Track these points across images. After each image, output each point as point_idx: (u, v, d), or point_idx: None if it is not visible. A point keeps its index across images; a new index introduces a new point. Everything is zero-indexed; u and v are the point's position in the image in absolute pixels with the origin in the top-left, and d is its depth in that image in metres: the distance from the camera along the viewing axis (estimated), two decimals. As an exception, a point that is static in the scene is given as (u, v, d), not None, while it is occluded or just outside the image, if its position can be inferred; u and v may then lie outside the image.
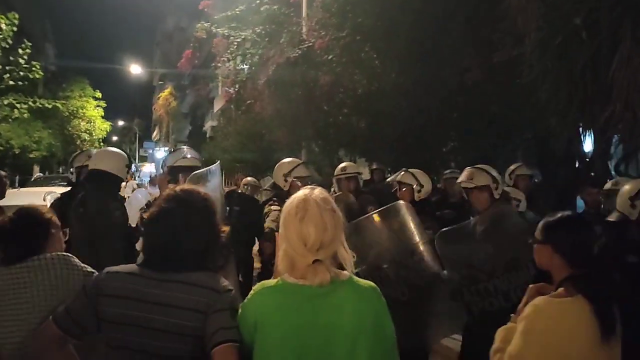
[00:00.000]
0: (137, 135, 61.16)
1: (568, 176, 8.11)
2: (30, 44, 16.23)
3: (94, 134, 34.53)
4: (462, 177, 4.26)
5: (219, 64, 12.90)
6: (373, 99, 9.61)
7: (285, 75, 10.50)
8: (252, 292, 1.94)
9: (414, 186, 4.85)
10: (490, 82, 7.94)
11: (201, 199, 2.10)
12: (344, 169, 5.82)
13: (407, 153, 9.94)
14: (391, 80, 9.13)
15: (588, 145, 7.91)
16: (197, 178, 3.77)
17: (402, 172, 5.02)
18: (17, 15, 15.79)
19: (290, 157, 5.41)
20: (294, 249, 1.89)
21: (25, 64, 16.02)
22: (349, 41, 9.76)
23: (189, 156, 4.54)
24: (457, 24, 8.35)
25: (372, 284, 1.98)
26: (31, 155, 27.74)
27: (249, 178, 9.39)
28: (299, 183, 4.82)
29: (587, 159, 6.58)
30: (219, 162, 4.61)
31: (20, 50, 15.87)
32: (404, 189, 4.89)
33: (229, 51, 12.06)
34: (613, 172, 6.21)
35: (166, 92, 48.69)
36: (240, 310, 1.92)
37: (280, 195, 4.85)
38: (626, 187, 3.67)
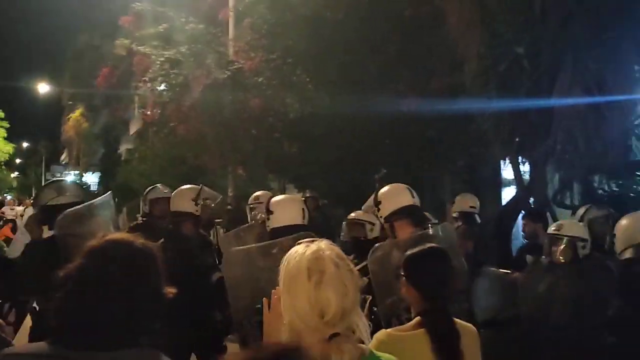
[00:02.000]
0: (44, 158, 57.37)
1: (497, 204, 8.21)
2: None
3: (-6, 156, 31.90)
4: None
5: (140, 84, 12.15)
6: (305, 124, 9.34)
7: (212, 97, 10.00)
8: None
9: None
10: (427, 108, 7.89)
11: (136, 251, 1.60)
12: (256, 198, 5.29)
13: (340, 180, 9.71)
14: (324, 105, 8.90)
15: (509, 173, 8.04)
16: (71, 217, 3.15)
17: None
18: None
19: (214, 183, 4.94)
20: (304, 321, 1.47)
21: None
22: (280, 64, 9.48)
23: (67, 194, 3.76)
24: (391, 48, 8.30)
25: (394, 357, 1.61)
26: None
27: None
28: (212, 204, 4.49)
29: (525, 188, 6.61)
30: (110, 192, 3.93)
31: None
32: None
33: (150, 70, 11.36)
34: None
35: (77, 112, 46.10)
36: None
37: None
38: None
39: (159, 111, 12.20)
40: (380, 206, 3.40)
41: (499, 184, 10.51)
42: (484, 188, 10.19)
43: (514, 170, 6.57)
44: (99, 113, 40.21)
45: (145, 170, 19.30)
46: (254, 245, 3.56)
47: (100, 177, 35.35)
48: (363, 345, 1.53)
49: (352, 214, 4.65)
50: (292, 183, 11.37)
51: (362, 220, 4.44)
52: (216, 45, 10.82)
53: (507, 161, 6.89)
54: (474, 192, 9.13)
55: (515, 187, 7.06)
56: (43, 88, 35.05)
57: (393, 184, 3.61)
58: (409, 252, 2.29)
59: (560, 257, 3.65)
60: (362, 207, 3.76)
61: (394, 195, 3.41)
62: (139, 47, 11.86)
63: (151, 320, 1.58)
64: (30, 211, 17.49)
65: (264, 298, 1.72)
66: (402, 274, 2.22)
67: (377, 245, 3.18)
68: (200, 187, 4.39)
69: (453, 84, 6.72)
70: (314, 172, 9.85)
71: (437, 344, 2.03)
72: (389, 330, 2.10)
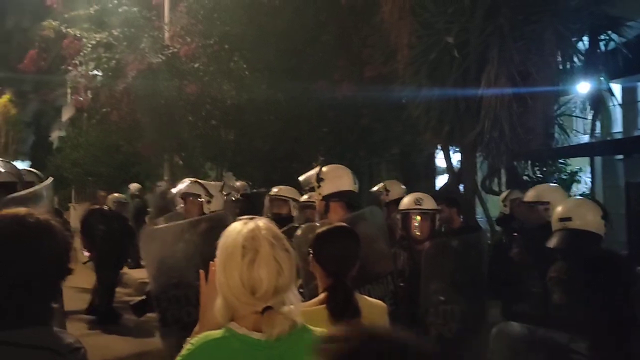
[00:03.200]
0: (-31, 145, 54.18)
1: (430, 190, 8.41)
2: None
3: None
4: None
5: (70, 68, 11.61)
6: (243, 111, 9.25)
7: (146, 82, 9.71)
8: (190, 345, 1.53)
9: (203, 196, 3.97)
10: (362, 97, 7.98)
11: (27, 227, 1.53)
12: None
13: (276, 167, 9.69)
14: (262, 92, 8.84)
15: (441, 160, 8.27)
16: (16, 203, 3.02)
17: (188, 182, 4.20)
18: None
19: (149, 172, 4.74)
20: (236, 297, 1.51)
21: None
22: (217, 50, 9.32)
23: (2, 170, 3.67)
24: (327, 37, 8.33)
25: (324, 330, 1.64)
26: None
27: (115, 194, 8.56)
28: None
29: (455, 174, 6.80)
30: (51, 179, 3.76)
31: None
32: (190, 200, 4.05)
33: (81, 54, 10.89)
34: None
35: (4, 98, 43.76)
36: None
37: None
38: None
39: (91, 97, 11.76)
40: (322, 184, 3.41)
41: (433, 171, 10.80)
42: (418, 176, 10.47)
43: (445, 158, 6.75)
44: (28, 99, 38.35)
45: (78, 158, 18.61)
46: (178, 222, 3.58)
47: (31, 166, 33.68)
48: (295, 318, 1.57)
49: (275, 189, 4.59)
50: (229, 171, 11.25)
51: (285, 196, 4.44)
52: (150, 29, 10.51)
53: (439, 149, 7.06)
54: (408, 180, 9.41)
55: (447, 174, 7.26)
56: (-33, 72, 33.01)
57: (338, 165, 3.63)
58: (317, 230, 2.34)
59: (417, 232, 3.72)
60: (301, 180, 3.74)
61: (338, 177, 3.44)
62: (69, 30, 11.34)
63: (42, 298, 1.54)
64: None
65: (201, 271, 1.74)
66: (310, 251, 2.26)
67: (301, 225, 3.21)
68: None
69: (387, 73, 6.80)
70: (250, 160, 9.79)
71: (335, 319, 2.06)
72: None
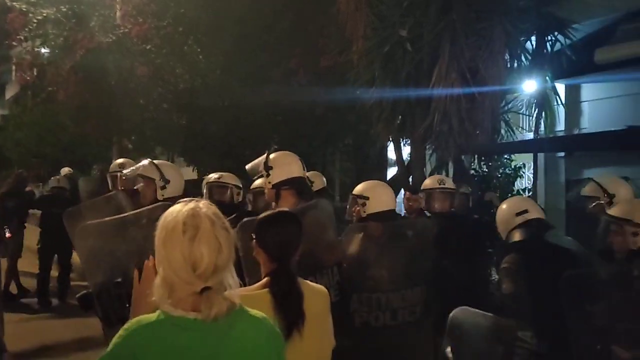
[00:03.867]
0: None
1: (381, 181, 8.55)
2: None
3: None
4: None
5: (14, 43, 11.12)
6: (196, 95, 9.10)
7: (96, 62, 9.40)
8: (122, 331, 1.52)
9: (157, 180, 3.73)
10: (317, 86, 7.99)
11: None
12: (121, 165, 4.91)
13: (229, 154, 9.60)
14: (216, 77, 8.73)
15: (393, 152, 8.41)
16: None
17: (145, 162, 3.92)
18: None
19: (97, 154, 4.52)
20: (177, 274, 1.50)
21: None
22: (170, 32, 9.12)
23: None
24: (284, 24, 8.28)
25: (263, 313, 1.69)
26: None
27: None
28: None
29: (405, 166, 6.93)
30: None
31: None
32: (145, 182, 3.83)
33: (27, 29, 10.44)
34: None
35: (-57, 72, 41.57)
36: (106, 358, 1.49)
37: None
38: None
39: (36, 75, 11.29)
40: (271, 172, 3.30)
41: (385, 163, 10.96)
42: (371, 167, 10.60)
43: (395, 150, 6.86)
44: (-31, 74, 36.47)
45: (22, 138, 17.94)
46: (122, 215, 3.43)
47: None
48: (234, 300, 1.58)
49: (215, 175, 4.46)
50: (181, 156, 11.08)
51: (227, 183, 4.32)
52: (101, 7, 10.17)
53: (390, 141, 7.17)
54: (362, 171, 9.48)
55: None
56: None
57: (286, 152, 3.49)
58: (260, 216, 2.34)
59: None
60: (247, 168, 3.65)
61: (287, 164, 3.33)
62: (14, 3, 10.84)
63: None
64: None
65: (136, 270, 1.75)
66: (253, 236, 2.27)
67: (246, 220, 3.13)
68: None
69: (342, 63, 6.85)
70: (202, 146, 9.67)
71: (278, 303, 2.09)
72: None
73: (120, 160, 4.98)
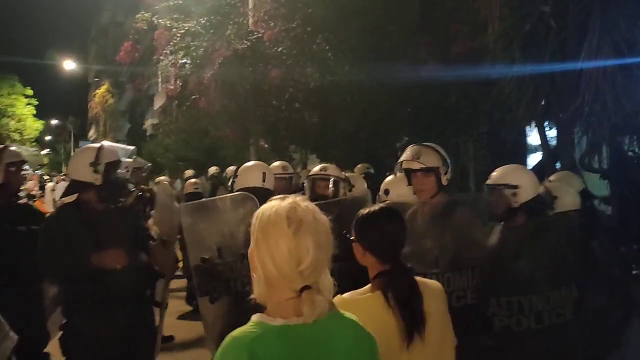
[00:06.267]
0: (72, 134, 58.39)
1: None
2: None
3: (24, 134, 32.59)
4: (405, 156, 3.32)
5: (161, 58, 12.14)
6: (326, 93, 9.23)
7: (232, 68, 9.95)
8: (220, 349, 1.46)
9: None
10: (448, 74, 7.72)
11: None
12: (285, 167, 5.32)
13: (359, 149, 9.64)
14: (344, 73, 8.78)
15: (535, 138, 7.83)
16: None
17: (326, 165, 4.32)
18: None
19: (236, 155, 4.92)
20: (281, 269, 1.45)
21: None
22: (299, 33, 9.34)
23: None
24: (411, 14, 8.10)
25: (355, 316, 1.61)
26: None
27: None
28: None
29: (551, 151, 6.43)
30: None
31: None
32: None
33: (171, 44, 11.35)
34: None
35: (103, 89, 46.74)
36: None
37: None
38: None
39: (181, 85, 12.22)
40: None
41: (524, 149, 10.29)
42: (509, 154, 10.02)
43: (539, 135, 6.39)
44: (124, 89, 40.68)
45: (170, 144, 19.53)
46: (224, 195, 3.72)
47: (127, 153, 35.66)
48: (331, 301, 1.53)
49: (317, 168, 4.31)
50: (313, 153, 11.33)
51: (329, 175, 4.13)
52: (236, 15, 10.72)
53: (533, 126, 6.69)
54: (498, 159, 9.01)
55: (541, 152, 6.88)
56: (69, 66, 35.60)
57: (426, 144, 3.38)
58: (360, 215, 2.13)
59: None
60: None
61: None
62: (160, 21, 11.83)
63: None
64: (61, 186, 17.96)
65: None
66: (353, 237, 2.10)
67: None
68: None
69: (475, 48, 6.54)
70: (333, 142, 9.79)
71: (397, 305, 1.95)
72: (343, 295, 1.99)
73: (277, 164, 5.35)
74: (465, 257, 3.04)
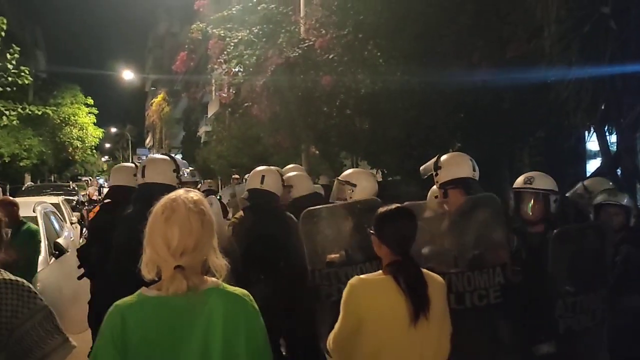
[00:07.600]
0: (130, 141, 60.59)
1: (580, 175, 7.76)
2: (18, 48, 15.72)
3: (86, 141, 34.01)
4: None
5: (215, 67, 12.47)
6: (377, 99, 9.23)
7: (284, 76, 10.10)
8: (108, 312, 1.77)
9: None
10: (502, 79, 7.57)
11: None
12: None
13: (410, 155, 9.56)
14: (396, 79, 8.75)
15: (594, 144, 7.56)
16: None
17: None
18: (4, 20, 15.36)
19: (287, 161, 5.07)
20: (157, 251, 1.78)
21: (13, 69, 15.52)
22: (350, 39, 9.38)
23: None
24: (465, 17, 7.98)
25: (243, 290, 1.87)
26: (21, 164, 27.13)
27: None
28: None
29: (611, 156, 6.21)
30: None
31: (8, 55, 15.38)
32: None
33: (225, 53, 11.64)
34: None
35: (159, 97, 48.30)
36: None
37: None
38: None
39: (234, 93, 12.49)
40: (439, 172, 3.54)
41: (583, 155, 9.94)
42: (566, 160, 9.71)
43: (598, 140, 6.18)
44: (179, 97, 41.89)
45: (223, 151, 19.98)
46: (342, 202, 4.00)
47: (182, 159, 36.79)
48: (208, 278, 1.83)
49: (346, 173, 4.51)
50: (364, 160, 11.33)
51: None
52: (287, 24, 10.89)
53: (592, 131, 6.48)
54: (554, 165, 8.75)
55: (600, 158, 6.65)
56: (128, 76, 37.00)
57: (457, 153, 3.76)
58: (379, 212, 2.50)
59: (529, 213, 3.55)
60: (421, 169, 3.80)
61: (455, 165, 3.54)
62: (214, 30, 12.15)
63: None
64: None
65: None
66: (372, 232, 2.47)
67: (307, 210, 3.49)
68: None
69: (530, 52, 6.38)
70: (384, 148, 9.76)
71: (407, 290, 2.31)
72: (360, 276, 2.44)
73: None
74: (487, 256, 3.16)
